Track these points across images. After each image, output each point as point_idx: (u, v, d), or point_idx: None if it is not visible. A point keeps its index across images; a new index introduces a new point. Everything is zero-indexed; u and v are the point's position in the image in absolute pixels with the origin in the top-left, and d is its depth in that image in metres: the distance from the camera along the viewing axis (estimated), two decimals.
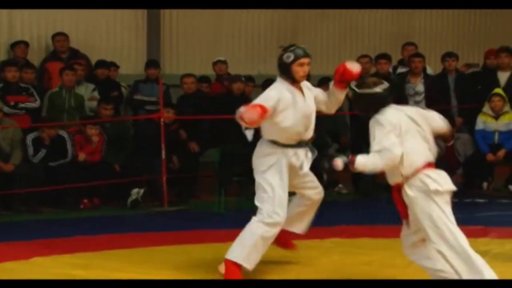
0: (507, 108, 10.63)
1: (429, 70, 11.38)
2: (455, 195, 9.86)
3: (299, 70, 6.09)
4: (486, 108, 10.68)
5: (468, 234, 7.70)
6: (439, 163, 11.23)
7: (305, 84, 6.29)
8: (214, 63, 11.59)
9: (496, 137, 10.65)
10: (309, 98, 6.22)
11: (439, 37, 14.02)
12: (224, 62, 11.56)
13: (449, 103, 11.13)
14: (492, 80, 10.96)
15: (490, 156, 10.56)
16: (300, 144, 6.19)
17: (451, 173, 10.66)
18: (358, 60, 11.07)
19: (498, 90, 10.68)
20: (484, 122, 10.69)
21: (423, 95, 10.80)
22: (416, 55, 11.05)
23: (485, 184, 10.89)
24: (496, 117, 10.65)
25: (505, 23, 14.65)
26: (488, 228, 8.10)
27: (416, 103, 10.89)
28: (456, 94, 11.19)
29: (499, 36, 14.26)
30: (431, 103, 10.89)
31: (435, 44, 13.56)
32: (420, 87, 10.83)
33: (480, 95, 10.86)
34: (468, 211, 9.39)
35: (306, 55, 6.12)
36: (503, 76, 11.00)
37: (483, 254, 6.85)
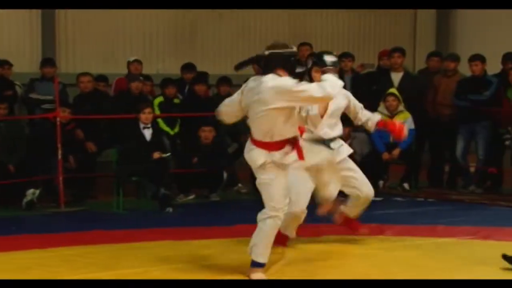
0: (401, 107, 10.86)
1: None
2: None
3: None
4: (381, 108, 10.88)
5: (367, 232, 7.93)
6: None
7: None
8: (130, 63, 11.40)
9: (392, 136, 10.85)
10: None
11: (335, 38, 14.21)
12: (139, 62, 11.41)
13: None
14: (386, 80, 11.18)
15: (385, 155, 10.78)
16: None
17: None
18: None
19: (392, 90, 10.90)
20: None
21: None
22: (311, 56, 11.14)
23: (381, 183, 11.09)
24: (391, 117, 10.85)
25: (398, 23, 14.97)
26: (383, 226, 8.24)
27: None
28: (352, 94, 11.33)
29: (393, 37, 14.57)
30: None
31: (331, 44, 13.73)
32: None
33: (375, 95, 11.06)
34: (364, 209, 9.57)
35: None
36: (396, 76, 11.23)
37: (379, 251, 7.04)
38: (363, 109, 7.22)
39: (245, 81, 11.60)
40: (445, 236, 7.71)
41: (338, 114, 6.99)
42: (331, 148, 6.85)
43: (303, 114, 6.39)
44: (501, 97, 10.69)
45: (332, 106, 6.79)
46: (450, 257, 6.77)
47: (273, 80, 5.74)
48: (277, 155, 5.83)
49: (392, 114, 10.84)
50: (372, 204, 9.94)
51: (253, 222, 8.50)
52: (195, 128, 10.33)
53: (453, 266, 6.47)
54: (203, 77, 11.34)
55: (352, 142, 11.02)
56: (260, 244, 5.98)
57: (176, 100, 11.00)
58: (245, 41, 13.74)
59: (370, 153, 10.96)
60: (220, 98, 11.17)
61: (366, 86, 11.28)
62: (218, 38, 13.69)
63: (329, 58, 6.58)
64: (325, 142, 6.85)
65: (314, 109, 6.72)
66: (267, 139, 5.84)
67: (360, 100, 11.22)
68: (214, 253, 6.98)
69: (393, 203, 10.06)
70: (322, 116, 6.80)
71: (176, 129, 10.83)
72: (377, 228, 8.11)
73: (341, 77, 11.10)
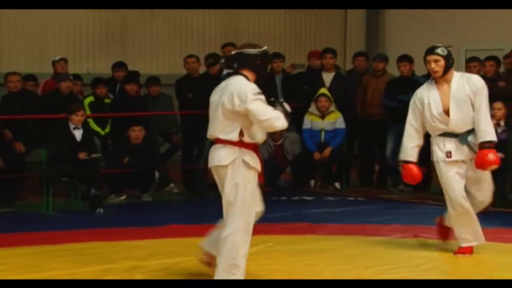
0: (332, 107, 10.96)
1: None
2: (283, 193, 10.04)
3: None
4: (313, 108, 10.97)
5: (296, 231, 7.98)
6: (268, 161, 11.50)
7: None
8: (56, 62, 11.21)
9: (323, 136, 10.96)
10: None
11: (266, 38, 14.23)
12: (66, 61, 11.23)
13: None
14: (318, 81, 11.26)
15: (317, 155, 10.86)
16: None
17: (280, 171, 11.06)
18: (185, 59, 11.12)
19: (323, 90, 10.98)
20: (311, 121, 10.98)
21: None
22: None
23: (312, 182, 11.18)
24: (322, 117, 10.96)
25: (329, 24, 15.08)
26: (315, 225, 8.29)
27: None
28: (283, 94, 11.41)
29: (323, 37, 14.68)
30: None
31: (263, 44, 13.75)
32: None
33: (306, 95, 11.13)
34: (296, 208, 9.64)
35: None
36: (328, 77, 11.31)
37: (311, 250, 7.08)
38: None
39: (177, 81, 11.60)
40: (376, 235, 7.80)
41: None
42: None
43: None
44: None
45: None
46: (380, 255, 6.84)
47: (236, 86, 5.62)
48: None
49: (324, 114, 10.94)
50: (304, 203, 10.09)
51: (186, 221, 8.54)
52: (127, 128, 10.25)
53: (385, 264, 6.53)
54: (134, 76, 11.25)
55: (284, 142, 11.10)
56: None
57: (107, 100, 10.88)
58: (177, 41, 13.69)
59: (302, 153, 11.02)
60: (151, 98, 11.17)
61: (297, 87, 11.34)
62: (150, 37, 13.60)
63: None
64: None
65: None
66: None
67: (291, 101, 11.37)
68: (146, 253, 6.92)
69: (324, 202, 10.13)
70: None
71: (107, 129, 10.72)
72: (309, 227, 8.16)
73: (271, 77, 11.33)
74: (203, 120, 10.39)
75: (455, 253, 6.85)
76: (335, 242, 7.47)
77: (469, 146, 6.75)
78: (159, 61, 13.25)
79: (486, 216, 9.22)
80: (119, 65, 11.44)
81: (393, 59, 11.27)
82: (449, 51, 6.74)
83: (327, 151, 10.85)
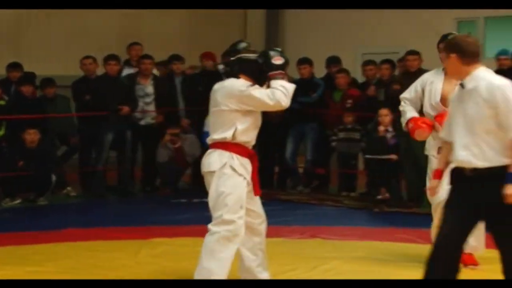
0: None
1: (156, 72, 11.48)
2: (184, 196, 10.01)
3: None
4: None
5: (197, 233, 7.92)
6: (168, 163, 11.44)
7: None
8: None
9: None
10: None
11: (165, 39, 14.15)
12: None
13: (177, 105, 11.30)
14: (213, 82, 11.21)
15: None
16: None
17: (180, 174, 11.01)
18: (81, 61, 10.95)
19: None
20: None
21: (152, 96, 10.90)
22: (145, 57, 11.10)
23: None
24: None
25: (229, 25, 15.08)
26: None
27: (146, 105, 10.97)
28: (183, 96, 11.38)
29: (223, 38, 14.59)
30: (160, 105, 11.03)
31: (161, 45, 13.65)
32: (150, 89, 10.91)
33: (206, 97, 11.06)
34: (197, 210, 9.59)
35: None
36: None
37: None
38: None
39: (74, 82, 11.38)
40: (274, 236, 7.82)
41: None
42: None
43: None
44: (328, 99, 11.01)
45: None
46: (279, 256, 6.87)
47: (227, 86, 5.59)
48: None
49: None
50: (204, 206, 10.03)
51: (83, 225, 8.40)
52: (23, 130, 10.01)
53: (283, 265, 6.56)
54: (30, 77, 11.01)
55: (183, 144, 11.05)
56: None
57: (1, 102, 10.61)
58: (75, 42, 13.44)
59: (202, 155, 10.95)
60: (47, 100, 10.94)
61: (195, 88, 11.29)
62: (46, 38, 13.33)
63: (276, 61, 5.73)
64: None
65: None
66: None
67: (189, 102, 11.35)
68: (44, 258, 6.78)
69: None
70: None
71: (2, 132, 10.44)
72: (202, 230, 8.12)
73: (171, 79, 11.27)
74: (101, 121, 10.42)
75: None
76: None
77: None
78: (55, 62, 12.98)
79: (382, 216, 9.43)
80: (14, 66, 11.17)
81: (293, 61, 11.36)
82: None
83: None
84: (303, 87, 10.76)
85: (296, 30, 14.75)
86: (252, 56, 5.64)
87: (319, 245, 7.47)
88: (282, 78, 5.50)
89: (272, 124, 11.24)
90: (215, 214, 5.56)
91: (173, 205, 10.02)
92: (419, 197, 9.09)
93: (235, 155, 5.52)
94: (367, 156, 10.32)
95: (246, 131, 5.55)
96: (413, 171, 9.39)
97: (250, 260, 5.76)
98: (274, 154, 11.53)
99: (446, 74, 6.27)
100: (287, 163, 11.18)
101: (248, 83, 5.52)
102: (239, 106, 5.49)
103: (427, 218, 6.63)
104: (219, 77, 11.55)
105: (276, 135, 11.20)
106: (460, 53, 4.68)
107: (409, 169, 9.66)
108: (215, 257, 5.47)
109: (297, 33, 14.69)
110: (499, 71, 9.92)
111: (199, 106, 10.99)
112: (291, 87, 5.48)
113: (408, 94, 6.57)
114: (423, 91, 6.48)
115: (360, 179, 11.00)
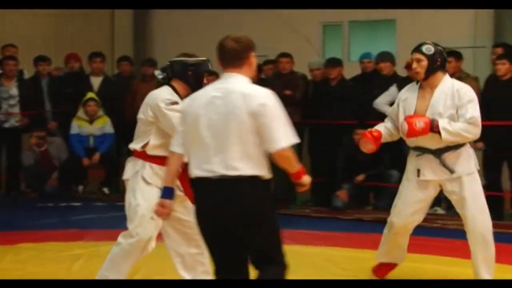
0: (101, 112, 10.83)
1: (26, 74, 11.25)
2: (50, 200, 9.82)
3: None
4: (81, 112, 10.79)
5: (64, 238, 7.82)
6: (34, 166, 11.18)
7: None
8: None
9: (91, 141, 10.81)
10: None
11: (31, 40, 13.82)
12: None
13: (43, 106, 11.09)
14: (86, 85, 11.10)
15: (85, 161, 10.68)
16: None
17: (46, 177, 10.79)
18: None
19: (91, 95, 10.84)
20: (79, 126, 10.79)
21: (17, 98, 10.69)
22: (9, 58, 10.85)
23: (80, 188, 11.01)
24: (91, 121, 10.81)
25: (96, 26, 14.85)
26: (84, 231, 8.17)
27: (11, 107, 10.71)
28: (49, 97, 11.17)
29: (91, 40, 14.40)
30: (25, 107, 10.79)
31: (27, 47, 13.33)
32: (14, 91, 10.70)
33: (74, 99, 10.92)
34: (64, 214, 9.46)
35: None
36: (96, 81, 11.19)
37: (78, 257, 6.96)
38: None
39: None
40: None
41: None
42: None
43: None
44: None
45: None
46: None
47: (157, 91, 5.38)
48: None
49: (92, 118, 10.78)
50: (71, 209, 9.91)
51: None
52: None
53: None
54: None
55: (49, 147, 10.84)
56: None
57: None
58: None
59: (69, 158, 10.81)
60: None
61: (63, 90, 11.11)
62: None
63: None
64: None
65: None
66: None
67: (57, 104, 11.14)
68: None
69: (93, 208, 9.99)
70: None
71: None
72: (77, 234, 8.02)
73: (38, 80, 11.03)
74: None
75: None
76: (105, 248, 7.38)
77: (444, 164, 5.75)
78: None
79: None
80: None
81: (162, 63, 11.30)
82: (438, 50, 5.72)
83: (96, 156, 10.72)
84: None
85: (164, 30, 14.68)
86: (189, 60, 5.43)
87: None
88: None
89: None
90: (127, 224, 5.46)
91: (39, 209, 9.83)
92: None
93: (148, 164, 5.33)
94: None
95: (162, 146, 5.25)
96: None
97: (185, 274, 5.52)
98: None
99: (421, 87, 5.81)
100: None
101: (172, 98, 5.25)
102: (155, 119, 5.29)
103: None
104: (86, 79, 11.59)
105: None
106: None
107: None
108: (114, 268, 5.42)
109: (165, 34, 14.62)
110: (363, 74, 10.36)
111: (66, 108, 10.88)
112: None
113: (389, 120, 6.03)
114: (398, 107, 5.93)
115: None
